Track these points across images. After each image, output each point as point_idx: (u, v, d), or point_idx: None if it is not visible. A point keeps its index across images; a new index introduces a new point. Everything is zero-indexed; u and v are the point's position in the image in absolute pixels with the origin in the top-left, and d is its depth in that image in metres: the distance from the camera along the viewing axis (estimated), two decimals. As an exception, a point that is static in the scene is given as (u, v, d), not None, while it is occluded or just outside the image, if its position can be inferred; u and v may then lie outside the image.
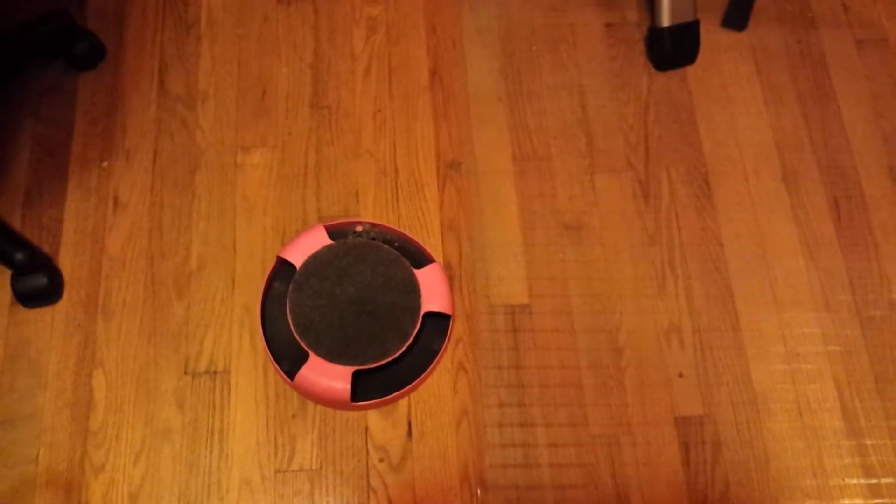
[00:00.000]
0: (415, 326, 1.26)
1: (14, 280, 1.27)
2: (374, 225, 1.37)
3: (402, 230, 1.37)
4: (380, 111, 1.48)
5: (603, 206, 1.43)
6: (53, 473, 1.19)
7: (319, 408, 1.26)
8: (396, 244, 1.36)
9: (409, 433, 1.25)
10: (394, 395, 1.25)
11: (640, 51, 1.57)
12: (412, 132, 1.47)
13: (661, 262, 1.40)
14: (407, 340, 1.25)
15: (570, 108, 1.51)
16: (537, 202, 1.42)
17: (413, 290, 1.30)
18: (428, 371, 1.28)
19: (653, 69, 1.55)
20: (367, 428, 1.25)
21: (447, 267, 1.37)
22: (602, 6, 1.60)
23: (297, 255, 1.31)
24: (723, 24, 1.60)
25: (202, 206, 1.39)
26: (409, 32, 1.55)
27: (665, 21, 1.50)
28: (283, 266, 1.33)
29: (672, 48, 1.53)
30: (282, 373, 1.25)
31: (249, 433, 1.24)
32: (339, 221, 1.36)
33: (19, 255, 1.26)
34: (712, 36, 1.58)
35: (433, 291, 1.30)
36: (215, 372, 1.27)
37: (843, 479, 1.26)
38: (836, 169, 1.49)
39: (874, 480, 1.26)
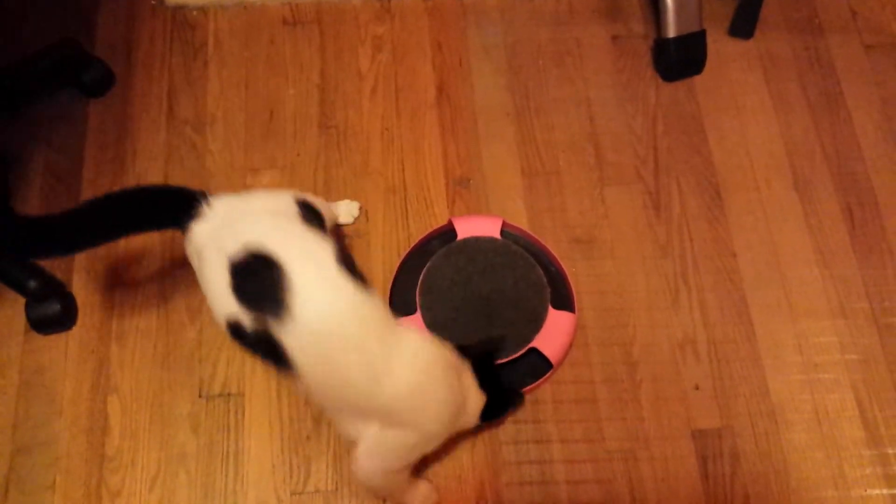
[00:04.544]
0: (514, 353, 1.26)
1: (28, 307, 1.28)
2: (549, 254, 1.37)
3: (568, 272, 1.36)
4: (387, 129, 1.48)
5: (613, 219, 1.43)
6: (70, 500, 1.20)
7: (334, 428, 1.25)
8: (552, 271, 1.35)
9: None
10: None
11: (648, 62, 1.56)
12: (420, 150, 1.47)
13: (674, 274, 1.39)
14: (500, 359, 1.25)
15: (578, 121, 1.51)
16: (547, 217, 1.42)
17: (536, 322, 1.29)
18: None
19: (660, 80, 1.55)
20: (381, 448, 1.24)
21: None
22: (608, 19, 1.60)
23: (464, 229, 1.36)
24: (729, 33, 1.59)
25: (213, 228, 1.39)
26: (414, 50, 1.55)
27: (671, 32, 1.50)
28: (449, 231, 1.37)
29: (679, 59, 1.52)
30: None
31: (264, 456, 1.24)
32: (520, 227, 1.39)
33: (33, 283, 1.26)
34: (719, 45, 1.58)
35: (552, 336, 1.29)
36: (229, 395, 1.27)
37: (865, 490, 1.24)
38: (849, 175, 1.47)
39: (897, 491, 1.25)
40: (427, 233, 1.38)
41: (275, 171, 1.44)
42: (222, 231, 1.00)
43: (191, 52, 1.53)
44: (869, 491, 1.24)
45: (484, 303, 1.31)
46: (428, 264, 1.33)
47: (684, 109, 1.52)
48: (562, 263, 1.37)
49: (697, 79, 1.55)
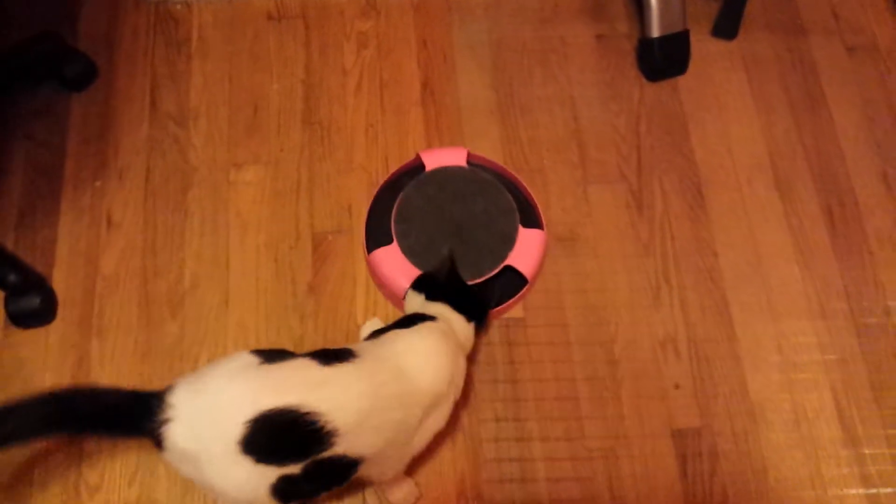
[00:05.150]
0: (490, 271, 1.31)
1: (7, 301, 1.28)
2: (515, 179, 1.41)
3: (531, 191, 1.40)
4: (371, 126, 1.48)
5: (596, 218, 1.43)
6: (49, 495, 1.19)
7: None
8: (520, 197, 1.40)
9: (405, 449, 1.25)
10: None
11: (631, 62, 1.57)
12: (404, 146, 1.47)
13: (656, 272, 1.39)
14: (477, 279, 1.30)
15: (563, 119, 1.51)
16: (531, 214, 1.42)
17: (508, 243, 1.33)
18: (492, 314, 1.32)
19: (644, 80, 1.55)
20: (362, 444, 1.24)
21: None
22: (592, 18, 1.60)
23: (432, 161, 1.40)
24: (713, 34, 1.60)
25: (195, 224, 1.39)
26: (400, 47, 1.55)
27: (655, 32, 1.51)
28: (418, 165, 1.41)
29: (662, 58, 1.53)
30: (364, 245, 1.35)
31: (244, 452, 1.23)
32: (484, 157, 1.42)
33: (12, 277, 1.26)
34: (703, 45, 1.59)
35: (525, 252, 1.33)
36: (210, 390, 1.26)
37: (842, 489, 1.25)
38: (829, 176, 1.48)
39: (873, 490, 1.25)
40: (396, 168, 1.42)
41: (258, 166, 1.43)
42: (204, 423, 0.92)
43: (174, 46, 1.52)
44: (846, 490, 1.25)
45: (457, 227, 1.35)
46: (400, 195, 1.37)
47: (668, 109, 1.53)
48: (527, 187, 1.41)
49: (681, 79, 1.55)
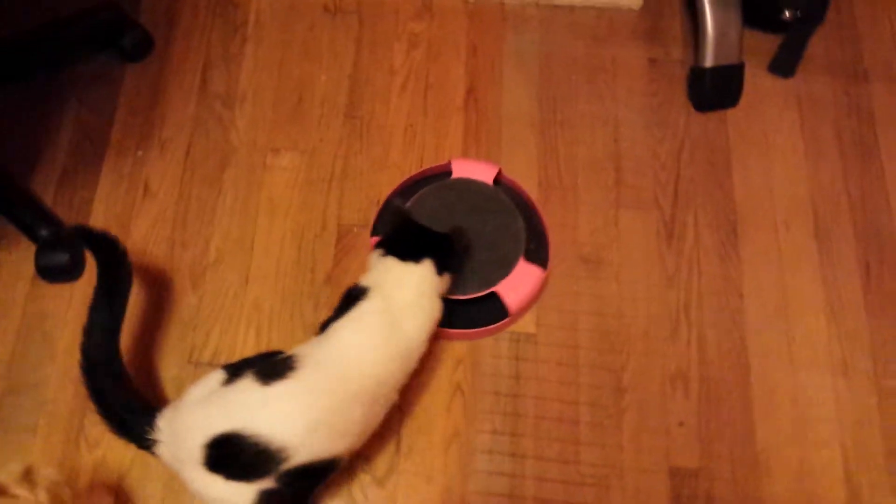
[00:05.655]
0: (479, 292, 1.30)
1: (38, 254, 1.33)
2: (537, 212, 1.40)
3: (548, 228, 1.39)
4: (411, 126, 1.49)
5: (624, 243, 1.41)
6: (49, 444, 1.24)
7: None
8: (536, 229, 1.39)
9: (398, 448, 1.25)
10: None
11: (682, 89, 1.53)
12: (441, 150, 1.47)
13: (677, 306, 1.36)
14: (465, 295, 1.29)
15: (603, 139, 1.49)
16: (557, 231, 1.40)
17: (505, 268, 1.32)
18: (457, 334, 1.32)
19: (692, 109, 1.52)
20: (356, 438, 1.25)
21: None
22: (647, 41, 1.58)
23: (461, 171, 1.41)
24: (770, 69, 1.55)
25: (227, 202, 1.42)
26: (449, 51, 1.56)
27: (708, 61, 1.47)
28: (447, 171, 1.42)
29: (713, 89, 1.49)
30: (370, 234, 1.38)
31: (240, 429, 1.25)
32: (513, 180, 1.42)
33: (44, 231, 1.31)
34: (757, 80, 1.54)
35: (516, 286, 1.31)
36: (217, 364, 1.28)
37: (840, 555, 1.20)
38: (872, 230, 1.42)
39: (874, 561, 1.20)
40: (425, 168, 1.43)
41: (295, 153, 1.46)
42: (178, 447, 1.02)
43: (231, 28, 1.57)
44: (844, 556, 1.20)
45: None
46: (418, 194, 1.38)
47: (713, 141, 1.49)
48: (547, 226, 1.39)
49: (730, 112, 1.51)
